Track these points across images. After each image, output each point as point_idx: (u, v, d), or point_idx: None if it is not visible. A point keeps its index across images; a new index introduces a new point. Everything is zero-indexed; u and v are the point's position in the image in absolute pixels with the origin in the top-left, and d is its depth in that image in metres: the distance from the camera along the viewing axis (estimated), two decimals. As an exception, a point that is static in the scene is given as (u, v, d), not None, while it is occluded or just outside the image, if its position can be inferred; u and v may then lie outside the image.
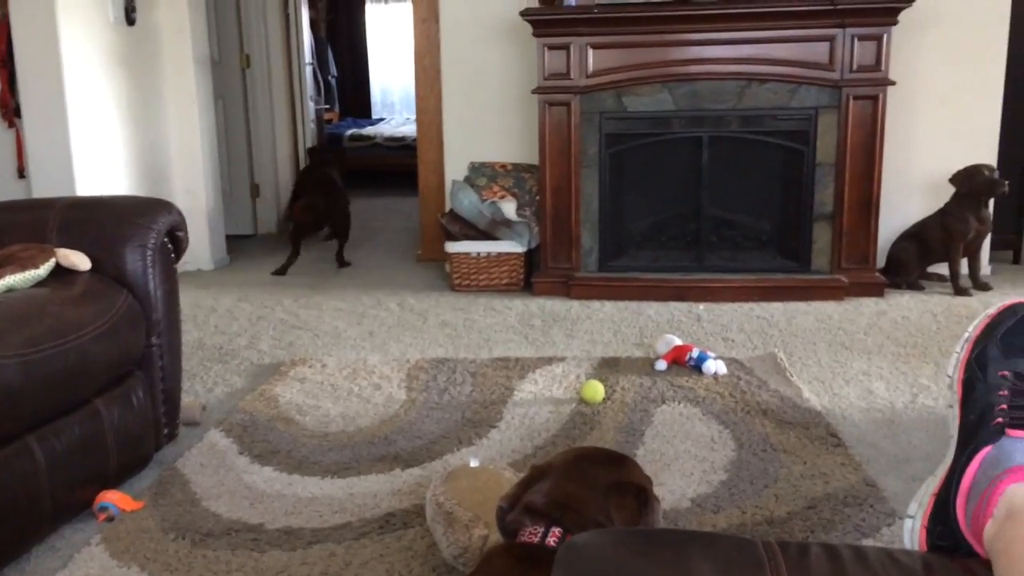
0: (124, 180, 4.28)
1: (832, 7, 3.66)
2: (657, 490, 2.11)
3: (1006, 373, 0.92)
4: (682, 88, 3.88)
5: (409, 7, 4.77)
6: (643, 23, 3.82)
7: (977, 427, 0.93)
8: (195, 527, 1.99)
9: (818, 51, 3.76)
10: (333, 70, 9.31)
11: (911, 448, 2.35)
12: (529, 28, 3.93)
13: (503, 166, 4.42)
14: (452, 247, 4.19)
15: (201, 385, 2.98)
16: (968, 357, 0.96)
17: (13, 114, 4.13)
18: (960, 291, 3.90)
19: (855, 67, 3.75)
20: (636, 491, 1.52)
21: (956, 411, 0.97)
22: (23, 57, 3.80)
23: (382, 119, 9.49)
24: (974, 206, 3.86)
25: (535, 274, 4.13)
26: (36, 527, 1.89)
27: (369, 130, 8.47)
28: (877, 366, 3.01)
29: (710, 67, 3.84)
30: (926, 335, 3.34)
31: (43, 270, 2.09)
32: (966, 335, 1.00)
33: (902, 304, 3.78)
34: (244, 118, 5.77)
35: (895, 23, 3.71)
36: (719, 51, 3.83)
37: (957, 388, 0.97)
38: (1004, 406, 0.91)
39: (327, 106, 8.48)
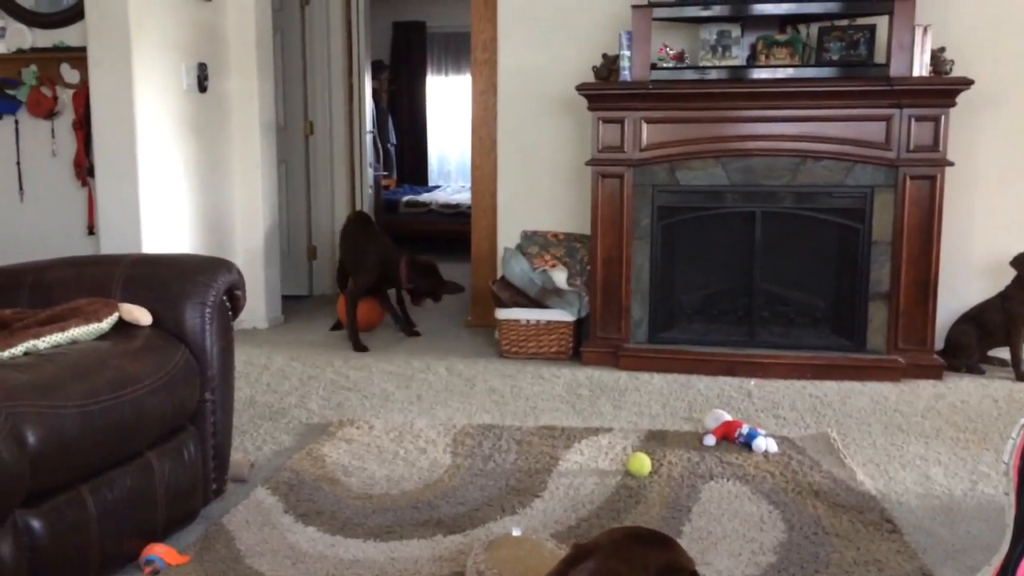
0: (188, 238, 4.42)
1: (889, 88, 3.67)
2: (704, 570, 2.06)
3: (1065, 461, 0.89)
4: (736, 163, 3.90)
5: (468, 79, 4.91)
6: (697, 99, 3.87)
7: (1034, 516, 0.90)
8: (237, 585, 2.00)
9: (874, 130, 3.76)
10: (392, 138, 9.55)
11: (969, 538, 2.26)
12: (584, 102, 4.01)
13: (555, 235, 4.46)
14: (502, 314, 4.22)
15: (251, 442, 3.01)
16: (1025, 443, 0.94)
17: (87, 174, 4.32)
18: (1022, 376, 3.78)
19: (912, 147, 3.73)
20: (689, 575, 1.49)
21: (1012, 499, 0.94)
22: (100, 120, 3.99)
23: (438, 186, 9.66)
24: (1036, 290, 3.77)
25: (584, 343, 4.13)
26: (83, 577, 1.92)
27: (425, 197, 8.62)
28: (935, 451, 2.92)
29: (764, 143, 3.86)
30: (986, 420, 3.24)
31: (106, 323, 2.16)
32: (1023, 420, 0.97)
33: (961, 388, 3.68)
34: (305, 182, 5.93)
35: (953, 104, 3.70)
36: (774, 128, 3.85)
37: (1013, 475, 0.94)
38: (1063, 495, 0.88)
39: (385, 173, 8.68)
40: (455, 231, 7.41)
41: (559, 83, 4.38)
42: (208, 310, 2.31)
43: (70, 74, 4.35)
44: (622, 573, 1.42)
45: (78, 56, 4.16)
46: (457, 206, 8.11)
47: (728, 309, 4.14)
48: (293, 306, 5.44)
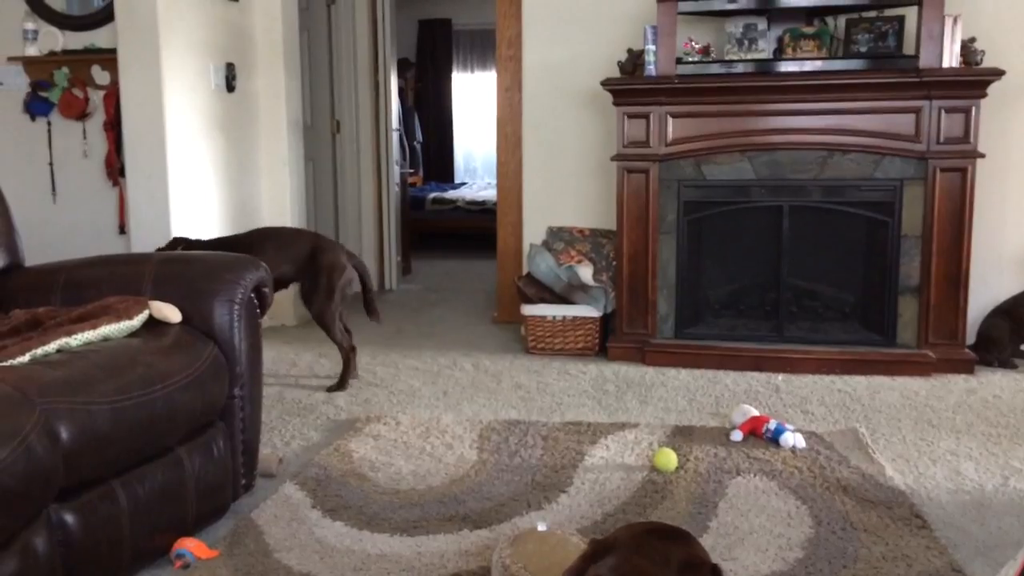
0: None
1: (918, 79, 3.63)
2: (730, 565, 2.06)
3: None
4: (762, 157, 3.87)
5: (494, 76, 4.91)
6: (723, 93, 3.85)
7: (1061, 510, 0.89)
8: (266, 578, 2.02)
9: (903, 122, 3.72)
10: (419, 136, 9.58)
11: (1001, 533, 2.24)
12: (609, 97, 4.00)
13: (581, 231, 4.46)
14: (528, 310, 4.23)
15: (279, 438, 3.05)
16: (1052, 437, 0.93)
17: (118, 174, 4.38)
18: (1056, 371, 3.73)
19: (942, 139, 3.69)
20: (711, 570, 1.49)
21: (1039, 493, 0.93)
22: (130, 121, 4.04)
23: (464, 183, 9.68)
24: (1071, 282, 3.71)
25: (610, 339, 4.12)
26: (115, 571, 1.95)
27: (451, 194, 8.65)
28: (966, 446, 2.89)
29: (791, 137, 3.83)
30: (1019, 415, 3.19)
31: (137, 321, 2.19)
32: (1050, 414, 0.96)
33: (994, 382, 3.63)
34: (332, 180, 5.97)
35: (984, 95, 3.65)
36: (801, 121, 3.81)
37: (1040, 469, 0.93)
38: (1090, 489, 0.87)
39: (411, 170, 8.71)
40: (482, 227, 7.43)
41: (584, 78, 4.37)
42: (236, 307, 2.33)
43: (101, 76, 4.40)
44: (645, 569, 1.42)
45: (108, 58, 4.21)
46: (483, 203, 8.13)
47: (755, 304, 4.11)
48: (321, 303, 5.47)
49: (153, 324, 2.24)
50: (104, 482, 1.92)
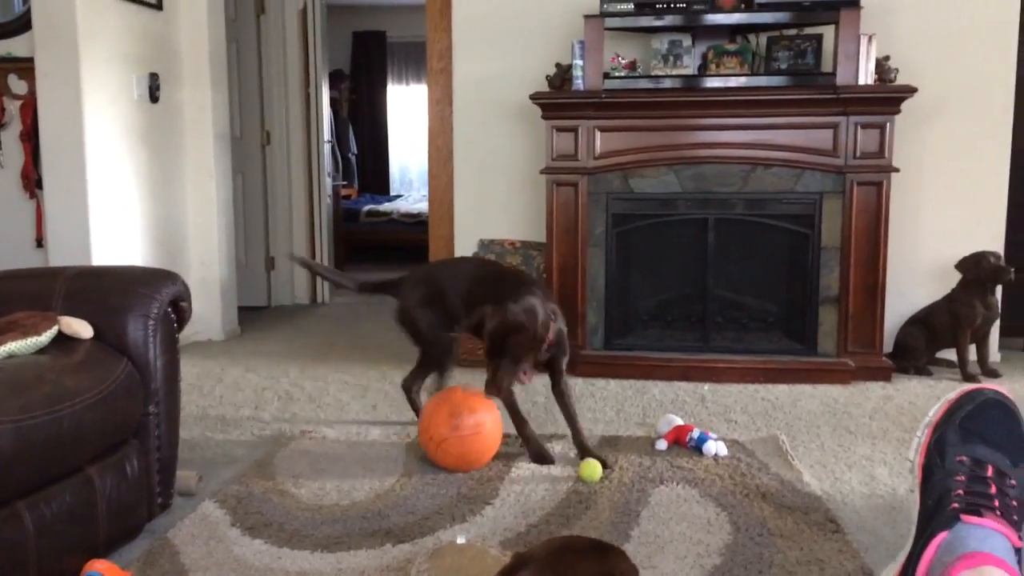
0: (140, 251, 4.37)
1: (835, 96, 3.74)
2: (650, 573, 2.08)
3: (963, 458, 0.92)
4: (688, 171, 3.94)
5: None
6: (650, 108, 3.91)
7: (934, 513, 0.92)
8: (179, 599, 1.97)
9: (822, 138, 3.83)
10: (353, 147, 9.53)
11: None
12: (538, 111, 4.03)
13: (511, 243, 4.47)
14: (459, 323, 4.21)
15: (201, 455, 2.98)
16: (928, 442, 0.96)
17: (35, 186, 4.25)
18: (969, 377, 3.86)
19: (859, 154, 3.80)
20: None
21: (917, 496, 0.97)
22: (47, 131, 3.93)
23: (399, 195, 9.65)
24: (980, 292, 3.85)
25: (541, 351, 4.13)
26: (20, 595, 1.88)
27: (386, 206, 8.61)
28: (881, 451, 2.97)
29: (716, 151, 3.91)
30: (932, 421, 3.29)
31: (45, 337, 2.13)
32: (927, 419, 1.00)
33: (909, 389, 3.74)
34: (263, 193, 5.90)
35: (898, 112, 3.78)
36: (725, 136, 3.90)
37: (918, 473, 0.97)
38: (960, 491, 0.91)
39: (345, 182, 8.65)
40: (417, 240, 7.39)
41: (514, 92, 4.39)
42: (151, 322, 2.28)
43: (17, 85, 4.28)
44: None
45: (26, 67, 4.10)
46: (418, 215, 8.11)
47: (682, 315, 4.18)
48: (251, 317, 5.39)
49: (63, 340, 2.17)
50: (8, 504, 1.85)
